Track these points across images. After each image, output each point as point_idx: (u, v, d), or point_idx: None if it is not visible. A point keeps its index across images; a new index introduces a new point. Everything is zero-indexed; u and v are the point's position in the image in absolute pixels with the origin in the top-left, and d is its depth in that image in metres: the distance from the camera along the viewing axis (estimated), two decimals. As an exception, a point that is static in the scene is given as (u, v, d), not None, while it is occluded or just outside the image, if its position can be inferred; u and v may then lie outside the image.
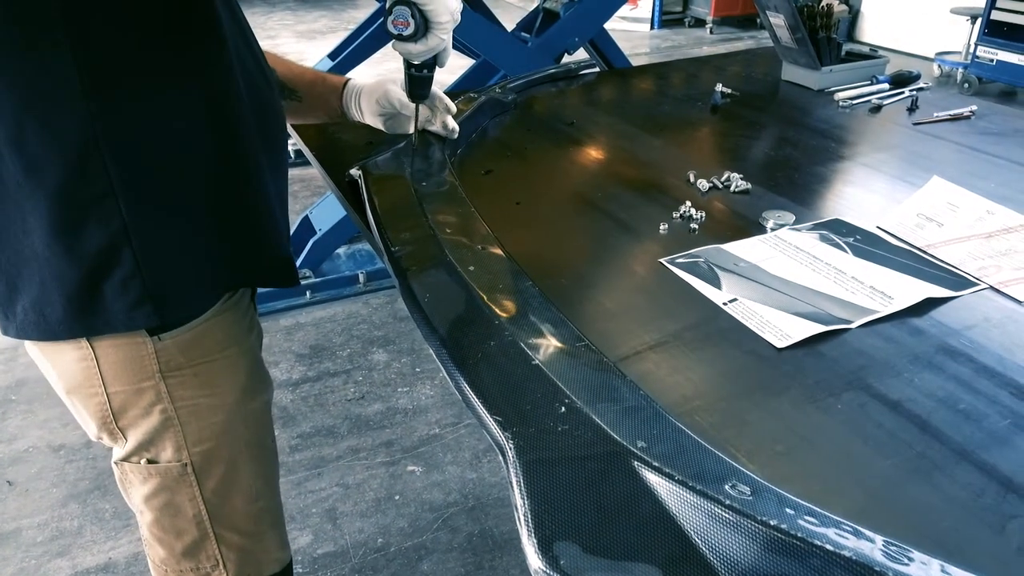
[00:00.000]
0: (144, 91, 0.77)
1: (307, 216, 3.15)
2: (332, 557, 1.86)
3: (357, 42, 3.51)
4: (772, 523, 0.51)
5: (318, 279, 3.00)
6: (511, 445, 0.60)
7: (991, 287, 0.89)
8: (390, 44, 1.09)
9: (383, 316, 2.90)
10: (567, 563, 0.51)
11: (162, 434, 0.91)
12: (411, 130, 1.25)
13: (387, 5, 1.03)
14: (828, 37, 1.69)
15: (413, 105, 1.22)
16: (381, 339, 2.76)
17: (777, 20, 1.66)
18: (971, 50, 5.36)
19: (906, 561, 0.48)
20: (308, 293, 2.97)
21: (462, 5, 1.09)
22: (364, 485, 2.09)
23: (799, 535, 0.51)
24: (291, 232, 3.04)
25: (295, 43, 6.41)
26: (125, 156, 0.77)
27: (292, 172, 4.00)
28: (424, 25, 1.05)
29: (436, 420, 2.33)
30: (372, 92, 1.24)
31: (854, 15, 6.85)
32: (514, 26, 3.32)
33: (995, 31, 5.16)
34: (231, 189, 0.87)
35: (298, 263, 2.98)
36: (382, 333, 2.80)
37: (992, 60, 5.18)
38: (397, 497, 2.04)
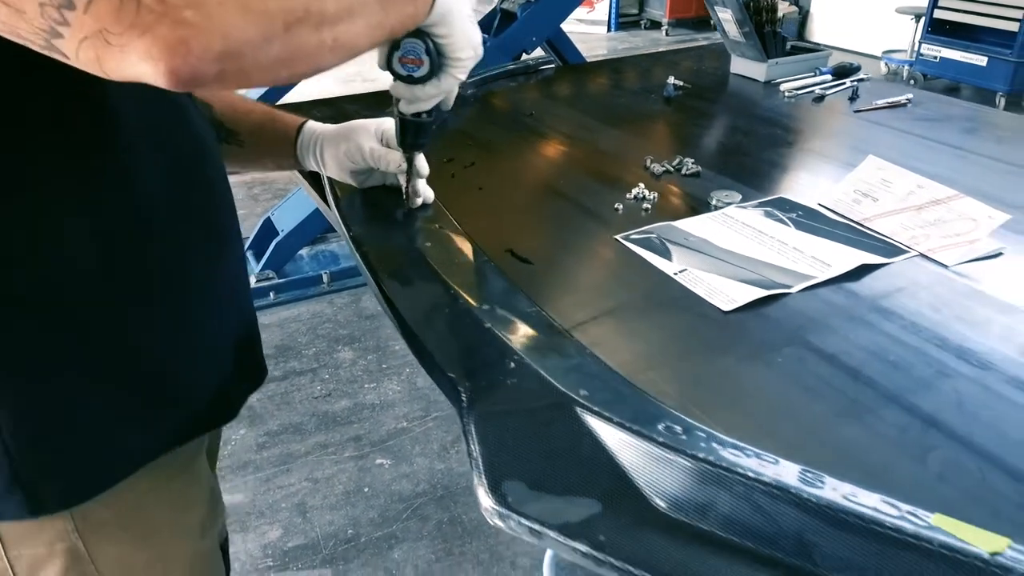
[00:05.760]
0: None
1: (269, 217, 3.15)
2: (302, 549, 1.88)
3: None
4: (700, 456, 0.56)
5: (281, 280, 3.01)
6: (465, 397, 0.64)
7: (921, 254, 0.95)
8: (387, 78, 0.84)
9: (348, 315, 2.92)
10: (514, 500, 0.56)
11: None
12: (403, 185, 1.03)
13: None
14: (774, 31, 1.76)
15: (393, 159, 1.00)
16: (347, 337, 2.78)
17: (725, 15, 1.72)
18: (916, 48, 5.54)
19: (820, 484, 0.54)
20: (272, 294, 2.97)
21: (482, 35, 0.86)
22: (333, 479, 2.11)
23: (724, 465, 0.56)
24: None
25: (253, 48, 6.38)
26: None
27: (252, 175, 4.02)
28: (439, 62, 0.82)
29: (404, 414, 2.36)
30: (337, 142, 1.02)
31: (804, 16, 7.03)
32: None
33: (938, 29, 5.35)
34: (137, 334, 0.70)
35: (260, 265, 2.99)
36: (347, 331, 2.81)
37: (936, 57, 5.37)
38: (366, 489, 2.07)
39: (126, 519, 0.73)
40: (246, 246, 3.14)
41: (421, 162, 1.01)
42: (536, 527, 0.54)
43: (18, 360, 0.64)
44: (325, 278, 3.05)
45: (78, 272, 0.65)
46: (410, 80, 0.83)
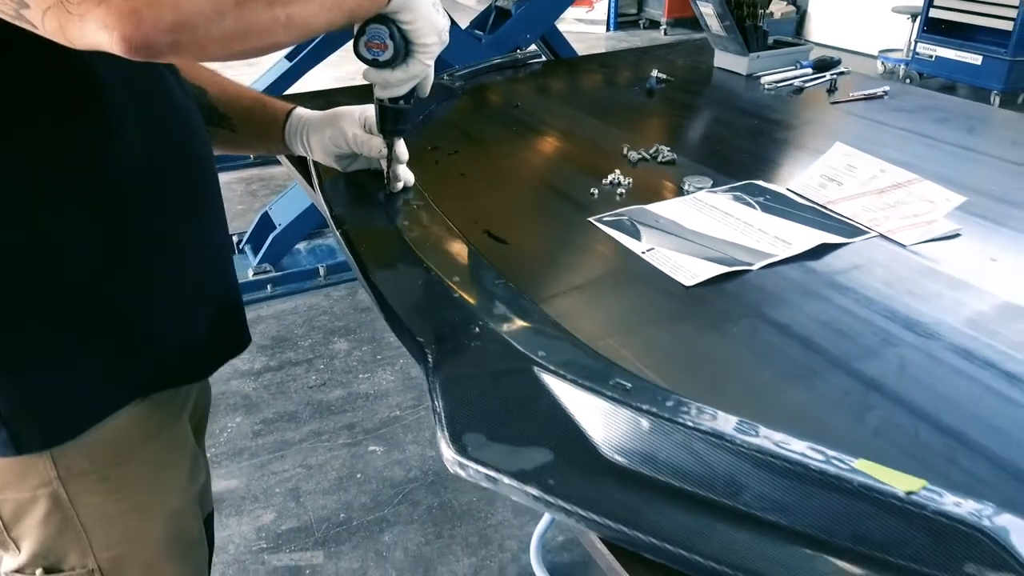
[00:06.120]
0: None
1: (266, 212, 3.20)
2: (296, 532, 1.92)
3: (315, 41, 3.55)
4: (644, 407, 0.60)
5: (278, 273, 3.05)
6: (431, 359, 0.68)
7: (880, 234, 0.99)
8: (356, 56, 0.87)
9: (344, 307, 2.96)
10: (473, 449, 0.60)
11: (62, 541, 0.79)
12: (384, 170, 1.05)
13: (358, 24, 0.83)
14: (755, 25, 1.79)
15: (374, 145, 1.03)
16: (342, 329, 2.82)
17: (707, 9, 1.76)
18: (912, 47, 5.58)
19: (754, 434, 0.58)
20: (269, 287, 3.02)
21: (449, 22, 0.89)
22: (326, 465, 2.15)
23: (666, 416, 0.60)
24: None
25: (253, 47, 6.42)
26: None
27: (251, 171, 4.06)
28: (405, 48, 0.85)
29: (397, 403, 2.40)
30: (322, 127, 1.05)
31: (801, 15, 7.07)
32: (467, 24, 3.41)
33: (934, 28, 5.39)
34: (113, 289, 0.75)
35: (258, 258, 3.03)
36: (343, 323, 2.86)
37: (931, 56, 5.40)
38: (359, 475, 2.11)
39: (106, 471, 0.78)
40: (244, 240, 3.18)
41: (401, 148, 1.04)
42: (492, 474, 0.58)
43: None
44: (322, 271, 3.09)
45: (62, 225, 0.70)
46: (376, 64, 0.85)
